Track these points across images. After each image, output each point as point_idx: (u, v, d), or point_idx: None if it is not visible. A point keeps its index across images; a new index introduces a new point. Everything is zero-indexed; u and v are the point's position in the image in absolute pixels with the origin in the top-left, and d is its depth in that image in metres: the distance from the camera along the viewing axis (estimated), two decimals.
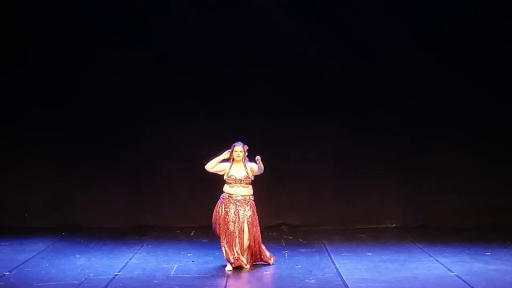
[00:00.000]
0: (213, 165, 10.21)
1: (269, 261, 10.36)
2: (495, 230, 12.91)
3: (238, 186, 10.16)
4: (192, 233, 12.92)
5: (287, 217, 13.69)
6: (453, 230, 12.93)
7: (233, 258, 10.02)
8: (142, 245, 11.73)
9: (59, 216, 13.48)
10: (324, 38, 13.40)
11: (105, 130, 13.50)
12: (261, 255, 10.32)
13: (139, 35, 13.41)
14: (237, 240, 10.05)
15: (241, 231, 10.07)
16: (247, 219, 10.08)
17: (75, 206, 13.58)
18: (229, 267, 10.05)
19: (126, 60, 13.38)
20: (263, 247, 10.35)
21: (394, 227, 13.53)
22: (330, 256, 10.93)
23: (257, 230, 10.21)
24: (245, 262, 10.09)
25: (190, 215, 13.47)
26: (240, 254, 10.05)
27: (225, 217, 10.12)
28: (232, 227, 10.07)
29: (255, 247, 10.18)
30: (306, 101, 13.50)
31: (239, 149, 10.18)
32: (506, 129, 13.45)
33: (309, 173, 13.60)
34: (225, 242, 10.10)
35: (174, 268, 10.08)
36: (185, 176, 13.50)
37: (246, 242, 10.08)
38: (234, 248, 10.04)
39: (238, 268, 10.02)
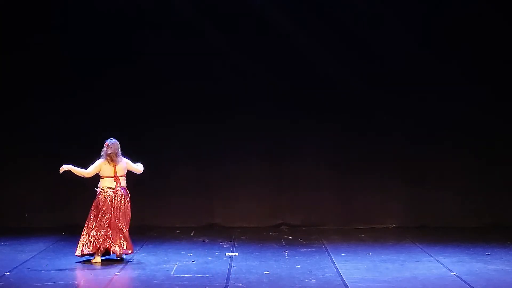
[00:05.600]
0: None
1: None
2: (495, 230, 12.91)
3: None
4: (192, 233, 12.90)
5: (287, 217, 13.67)
6: (453, 230, 12.91)
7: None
8: (142, 245, 11.72)
9: (59, 216, 13.47)
10: (325, 39, 13.39)
11: (105, 130, 13.46)
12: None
13: (142, 39, 13.42)
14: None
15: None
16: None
17: (75, 206, 13.54)
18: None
19: (129, 62, 13.39)
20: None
21: (394, 227, 13.52)
22: (330, 256, 10.93)
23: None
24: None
25: (190, 215, 13.46)
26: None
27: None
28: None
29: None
30: (305, 102, 13.48)
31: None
32: (506, 129, 13.44)
33: (309, 173, 13.58)
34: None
35: (174, 268, 10.07)
36: (185, 176, 13.49)
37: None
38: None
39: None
